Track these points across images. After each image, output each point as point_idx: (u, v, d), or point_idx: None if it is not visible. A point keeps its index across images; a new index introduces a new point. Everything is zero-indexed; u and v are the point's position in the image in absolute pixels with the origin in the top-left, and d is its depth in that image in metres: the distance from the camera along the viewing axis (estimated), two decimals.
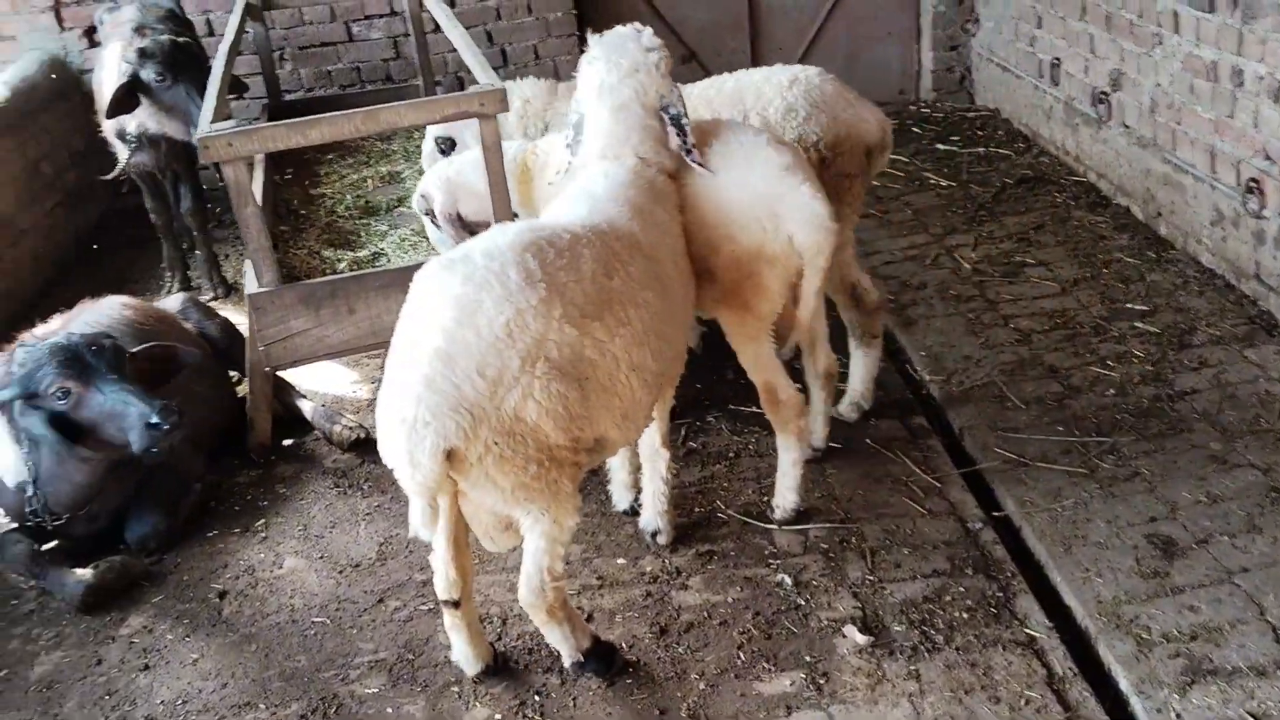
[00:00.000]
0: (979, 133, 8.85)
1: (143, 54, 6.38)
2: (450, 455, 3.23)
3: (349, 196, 6.54)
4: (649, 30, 4.18)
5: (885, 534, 4.50)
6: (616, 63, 4.10)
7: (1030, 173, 7.93)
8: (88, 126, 7.77)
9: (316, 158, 7.44)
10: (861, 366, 5.26)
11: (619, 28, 4.24)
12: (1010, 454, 4.91)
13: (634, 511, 4.66)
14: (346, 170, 7.15)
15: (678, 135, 4.06)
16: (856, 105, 5.31)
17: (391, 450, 3.32)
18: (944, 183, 7.94)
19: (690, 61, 9.56)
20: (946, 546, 4.39)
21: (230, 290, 7.38)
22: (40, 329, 5.20)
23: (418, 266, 4.89)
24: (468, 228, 5.22)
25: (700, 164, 4.06)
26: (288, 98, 8.61)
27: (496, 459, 3.29)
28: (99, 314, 5.31)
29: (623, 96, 4.07)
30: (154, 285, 7.81)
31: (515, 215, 4.96)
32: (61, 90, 8.37)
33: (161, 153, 6.97)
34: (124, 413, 4.42)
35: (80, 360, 4.47)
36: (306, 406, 5.62)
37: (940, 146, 8.63)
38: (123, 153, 6.99)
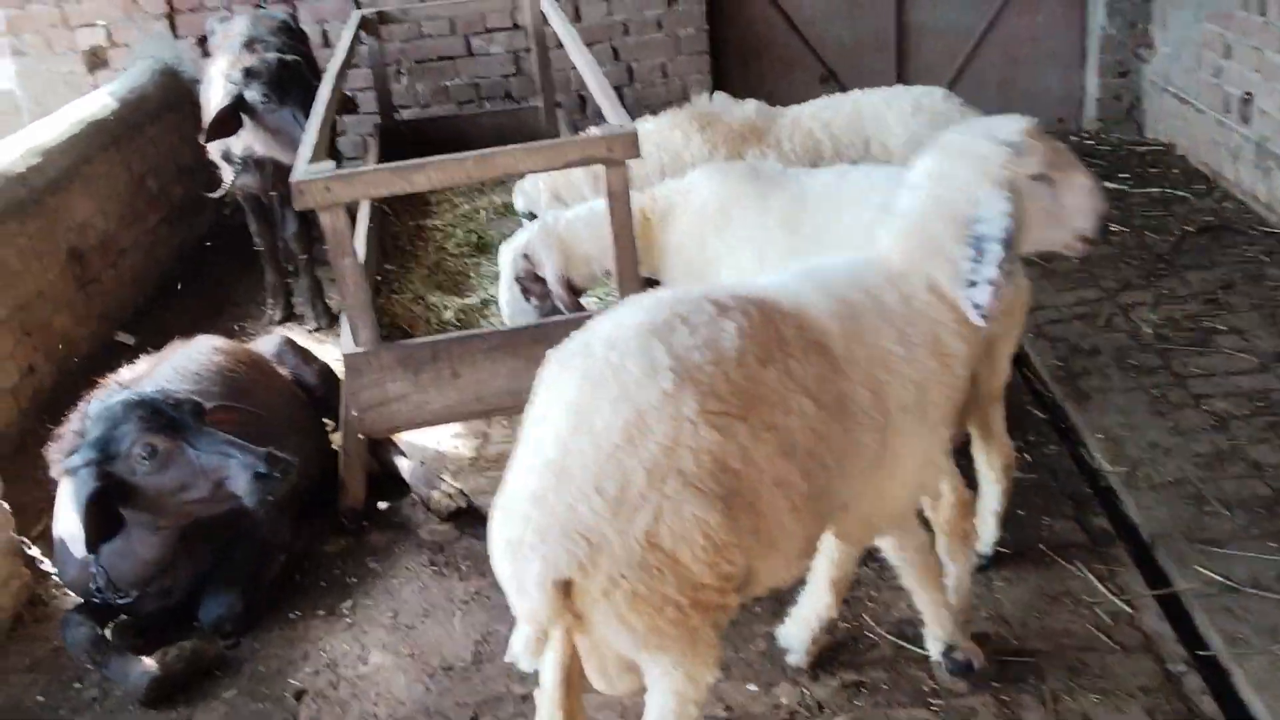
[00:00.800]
0: (1151, 170, 7.99)
1: (248, 74, 5.96)
2: (567, 587, 2.65)
3: (460, 231, 6.06)
4: (1027, 125, 3.15)
5: (1068, 672, 3.77)
6: (949, 140, 3.22)
7: (1213, 220, 7.06)
8: (197, 139, 7.43)
9: None
10: None
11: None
12: (1214, 574, 4.13)
13: None
14: (459, 199, 6.69)
15: (970, 260, 3.05)
16: None
17: (499, 570, 2.77)
18: (1114, 227, 7.10)
19: (829, 82, 8.88)
20: (1144, 695, 3.66)
21: (334, 320, 6.94)
22: (126, 373, 4.79)
23: (529, 330, 4.42)
24: (576, 293, 4.68)
25: (981, 312, 3.05)
26: (402, 115, 8.20)
27: (628, 597, 2.65)
28: (188, 358, 4.86)
29: (917, 177, 3.23)
30: (256, 310, 7.43)
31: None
32: (172, 101, 8.06)
33: (266, 175, 6.57)
34: (224, 466, 3.95)
35: (161, 414, 4.01)
36: (405, 465, 5.11)
37: (1108, 185, 7.78)
38: (228, 173, 6.61)
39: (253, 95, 5.95)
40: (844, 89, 8.82)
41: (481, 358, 4.33)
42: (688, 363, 2.70)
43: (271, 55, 6.07)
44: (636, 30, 8.43)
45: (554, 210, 5.22)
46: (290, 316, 7.17)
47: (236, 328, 7.23)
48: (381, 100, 7.39)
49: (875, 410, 3.02)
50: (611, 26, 8.41)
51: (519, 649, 2.87)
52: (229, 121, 5.97)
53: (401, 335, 5.00)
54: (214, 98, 6.55)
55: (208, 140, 6.07)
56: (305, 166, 4.06)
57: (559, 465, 2.65)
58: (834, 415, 2.92)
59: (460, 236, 5.97)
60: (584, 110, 8.63)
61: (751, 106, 5.20)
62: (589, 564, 2.60)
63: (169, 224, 7.89)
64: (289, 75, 6.00)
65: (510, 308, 4.74)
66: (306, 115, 5.25)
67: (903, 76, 8.85)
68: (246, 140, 6.22)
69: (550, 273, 4.56)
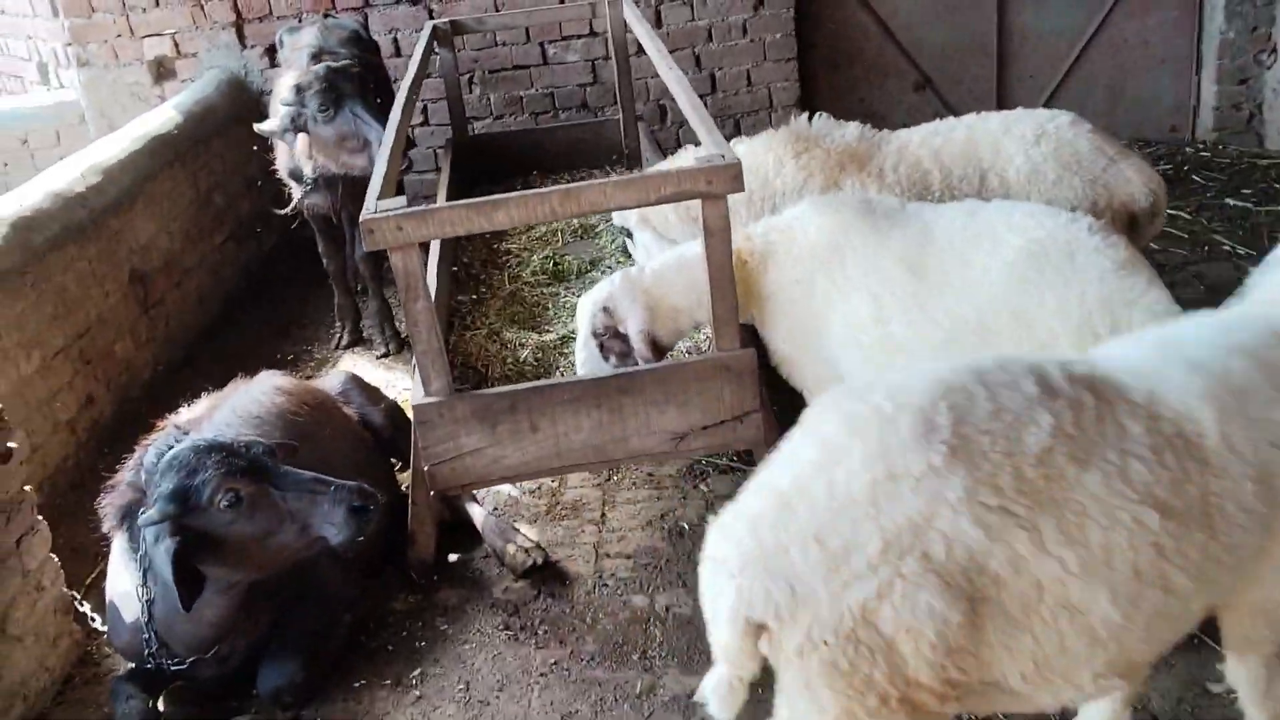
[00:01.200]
0: (1276, 185, 7.39)
1: (299, 91, 5.68)
2: (761, 632, 2.32)
3: (536, 257, 5.68)
4: None
5: None
6: None
7: None
8: (265, 152, 7.14)
9: None
10: None
11: None
12: None
13: None
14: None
15: None
16: (1120, 162, 4.21)
17: (703, 589, 2.51)
18: (1240, 249, 6.55)
19: (924, 89, 8.39)
20: None
21: (403, 345, 6.62)
22: (185, 414, 4.49)
23: (614, 380, 4.03)
24: (661, 351, 4.28)
25: None
26: (475, 126, 7.87)
27: (826, 667, 2.30)
28: (249, 399, 4.55)
29: None
30: (324, 332, 7.14)
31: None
32: (239, 113, 7.77)
33: (337, 194, 6.25)
34: (314, 505, 3.64)
35: (239, 456, 3.68)
36: (477, 514, 4.75)
37: (1230, 202, 7.22)
38: (296, 191, 6.31)
39: (312, 110, 5.67)
40: (940, 96, 8.40)
41: (562, 409, 3.95)
42: (971, 442, 2.32)
43: (319, 66, 5.78)
44: (720, 36, 8.00)
45: (643, 238, 4.83)
46: (359, 340, 6.87)
47: (303, 350, 6.96)
48: (454, 113, 7.05)
49: (1262, 502, 2.48)
50: (694, 32, 7.99)
51: (709, 690, 2.53)
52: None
53: (475, 376, 4.64)
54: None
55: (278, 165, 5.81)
56: (376, 203, 3.70)
57: (785, 497, 2.36)
58: (1194, 524, 2.41)
59: (536, 263, 5.59)
60: (663, 120, 8.23)
61: (853, 130, 4.73)
62: (787, 614, 2.29)
63: (235, 241, 7.63)
64: (339, 78, 5.72)
65: (586, 366, 4.35)
66: (368, 110, 4.94)
67: (1003, 82, 8.34)
68: (319, 160, 5.92)
69: (634, 328, 4.16)
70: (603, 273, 5.52)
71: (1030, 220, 3.40)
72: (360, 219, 3.64)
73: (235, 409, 4.47)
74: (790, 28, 7.96)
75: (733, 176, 3.66)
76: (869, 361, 3.63)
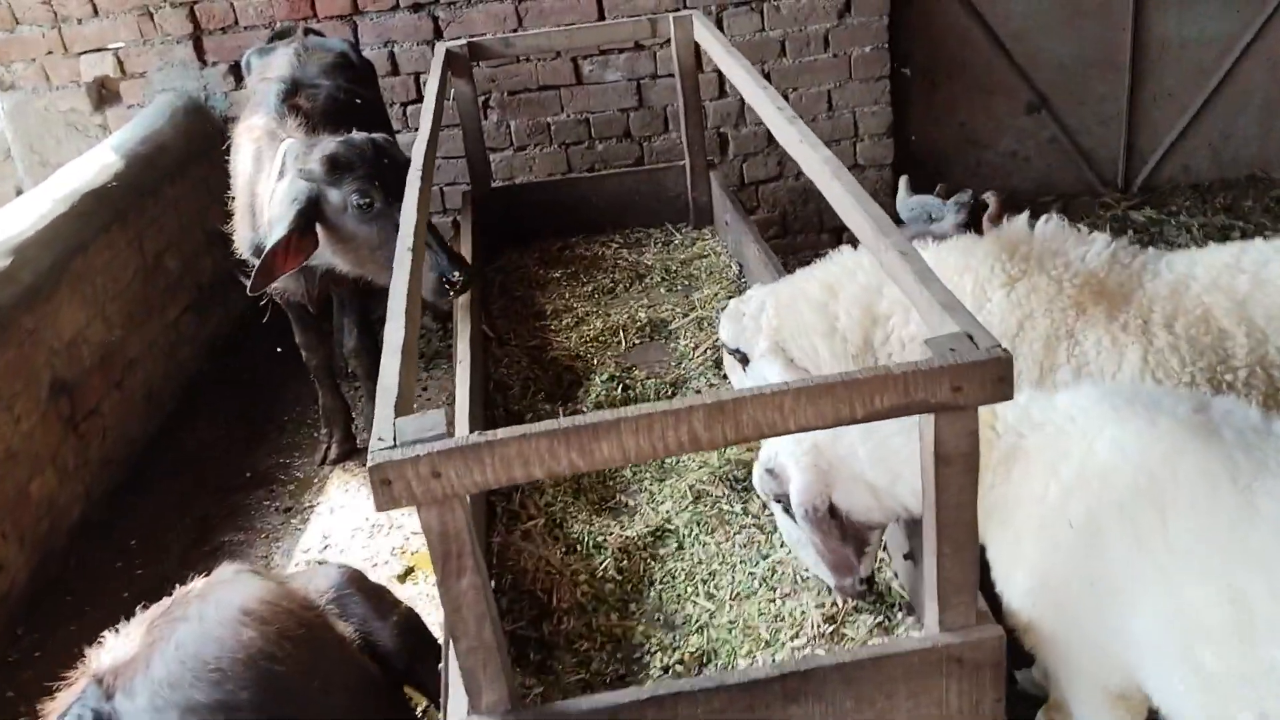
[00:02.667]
0: None
1: (334, 167, 4.10)
2: None
3: (598, 377, 4.17)
4: None
5: None
6: None
7: None
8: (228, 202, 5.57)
9: (541, 277, 5.12)
10: None
11: None
12: None
13: None
14: (584, 305, 4.80)
15: None
16: None
17: None
18: None
19: (1039, 111, 6.89)
20: None
21: None
22: (109, 652, 2.97)
23: (780, 680, 2.54)
24: (849, 531, 2.83)
25: None
26: (492, 162, 6.33)
27: None
28: (203, 634, 3.00)
29: None
30: (307, 434, 5.66)
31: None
32: (198, 148, 6.21)
33: (315, 279, 4.73)
34: None
35: None
36: None
37: None
38: None
39: (349, 198, 4.13)
40: (1057, 119, 6.89)
41: None
42: None
43: (360, 136, 4.21)
44: (796, 50, 6.46)
45: (771, 371, 3.26)
46: (351, 451, 5.37)
47: (280, 464, 5.47)
48: (473, 157, 5.44)
49: None
50: (764, 45, 6.45)
51: None
52: (298, 250, 4.18)
53: (533, 608, 3.13)
54: (242, 171, 4.74)
55: (256, 289, 4.25)
56: (392, 425, 2.19)
57: None
58: None
59: (600, 386, 4.08)
60: (724, 152, 6.71)
61: (1100, 250, 3.10)
62: None
63: (195, 313, 6.09)
64: (390, 162, 4.17)
65: (784, 527, 3.05)
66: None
67: (1136, 102, 6.85)
68: (328, 258, 4.42)
69: (794, 491, 2.72)
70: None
71: None
72: (370, 460, 2.13)
73: (183, 653, 2.92)
74: (883, 39, 6.43)
75: (997, 379, 2.17)
76: (1213, 696, 2.15)
